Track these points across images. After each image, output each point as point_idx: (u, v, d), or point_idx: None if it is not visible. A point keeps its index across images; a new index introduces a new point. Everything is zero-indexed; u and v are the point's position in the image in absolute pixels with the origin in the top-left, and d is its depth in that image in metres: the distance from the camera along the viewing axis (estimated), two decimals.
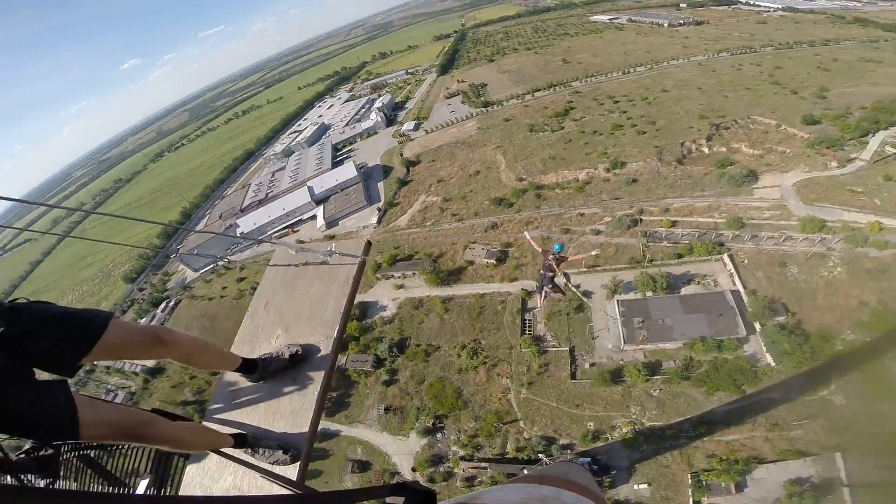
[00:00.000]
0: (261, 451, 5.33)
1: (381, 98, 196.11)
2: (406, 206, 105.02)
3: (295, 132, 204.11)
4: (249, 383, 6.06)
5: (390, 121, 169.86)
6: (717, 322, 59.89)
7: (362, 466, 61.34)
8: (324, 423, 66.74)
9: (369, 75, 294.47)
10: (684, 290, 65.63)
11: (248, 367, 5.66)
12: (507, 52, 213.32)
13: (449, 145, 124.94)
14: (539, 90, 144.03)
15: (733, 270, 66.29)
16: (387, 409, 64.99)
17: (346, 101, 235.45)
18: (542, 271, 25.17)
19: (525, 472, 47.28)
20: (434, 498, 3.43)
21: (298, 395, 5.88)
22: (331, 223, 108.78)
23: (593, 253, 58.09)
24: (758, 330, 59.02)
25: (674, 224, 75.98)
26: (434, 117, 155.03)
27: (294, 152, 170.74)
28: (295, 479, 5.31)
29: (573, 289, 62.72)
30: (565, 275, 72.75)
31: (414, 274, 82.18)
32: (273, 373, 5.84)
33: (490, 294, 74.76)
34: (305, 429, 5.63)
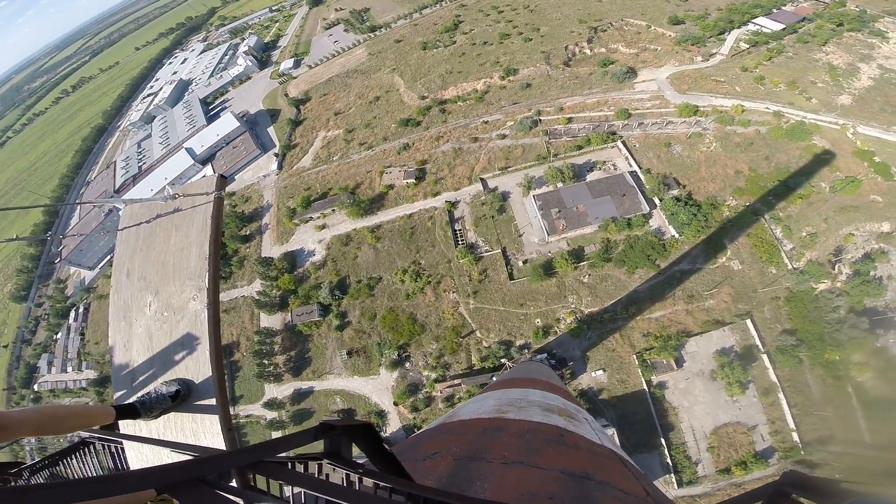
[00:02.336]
0: (161, 412, 5.38)
1: (245, 41, 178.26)
2: (306, 145, 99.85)
3: (149, 95, 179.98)
4: (141, 360, 6.12)
5: (263, 63, 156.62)
6: (622, 202, 69.23)
7: (348, 414, 61.96)
8: (294, 384, 66.05)
9: (224, 20, 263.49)
10: (589, 177, 73.98)
11: (127, 413, 5.45)
12: None
13: (339, 76, 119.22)
14: (426, 7, 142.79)
15: (628, 154, 76.22)
16: (349, 354, 65.35)
17: (203, 51, 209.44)
18: None
19: (494, 379, 50.86)
20: (371, 428, 3.44)
21: (191, 359, 5.98)
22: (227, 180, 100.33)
23: None
24: (658, 204, 69.58)
25: (570, 120, 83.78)
26: (315, 51, 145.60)
27: (156, 116, 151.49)
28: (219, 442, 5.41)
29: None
30: (482, 180, 77.55)
31: (333, 211, 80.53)
32: (159, 413, 5.61)
33: (417, 213, 76.58)
34: (209, 374, 5.71)
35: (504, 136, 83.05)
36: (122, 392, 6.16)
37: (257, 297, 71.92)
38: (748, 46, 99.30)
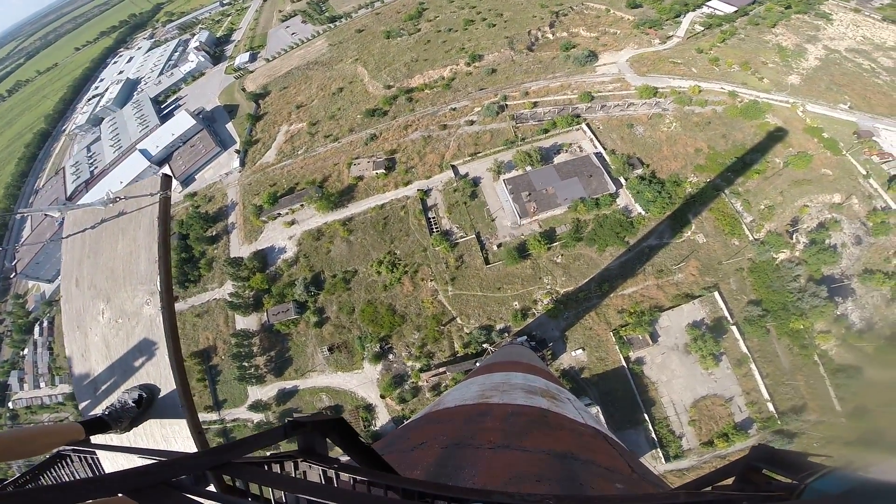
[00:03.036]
0: (130, 422, 5.35)
1: (196, 37, 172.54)
2: (268, 140, 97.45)
3: (95, 97, 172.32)
4: (101, 368, 6.11)
5: (217, 58, 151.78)
6: (590, 183, 71.05)
7: (336, 410, 61.27)
8: (277, 384, 64.86)
9: (171, 16, 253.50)
10: (556, 160, 75.60)
11: (97, 427, 5.47)
12: None
13: (299, 68, 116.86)
14: None
15: (592, 136, 78.19)
16: (331, 350, 64.57)
17: (150, 49, 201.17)
18: None
19: (477, 365, 51.59)
20: (343, 423, 3.38)
21: (151, 365, 6.04)
22: (186, 181, 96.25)
23: None
24: (623, 184, 71.85)
25: (535, 105, 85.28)
26: (272, 44, 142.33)
27: (104, 118, 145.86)
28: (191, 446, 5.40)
29: None
30: (452, 167, 78.14)
31: (302, 206, 78.98)
32: (128, 423, 5.62)
33: (389, 203, 76.06)
34: (171, 378, 5.78)
35: (472, 123, 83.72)
36: (86, 402, 6.15)
37: (230, 299, 70.05)
38: (703, 29, 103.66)
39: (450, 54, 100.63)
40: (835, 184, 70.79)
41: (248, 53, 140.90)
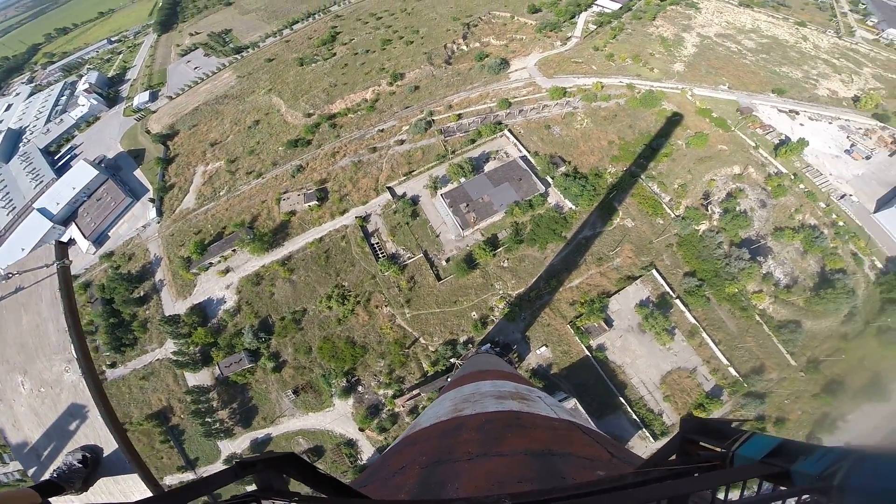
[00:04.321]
0: (83, 482, 5.57)
1: (84, 78, 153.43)
2: (184, 183, 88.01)
3: None
4: (37, 436, 6.32)
5: (111, 99, 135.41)
6: (521, 186, 71.49)
7: (317, 452, 57.35)
8: (248, 435, 59.90)
9: (51, 57, 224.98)
10: (487, 168, 75.44)
11: (52, 490, 5.56)
12: None
13: (208, 104, 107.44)
14: (297, 22, 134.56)
15: (516, 141, 78.95)
16: (296, 392, 60.55)
17: (32, 94, 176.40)
18: None
19: (449, 380, 49.43)
20: (294, 457, 3.36)
21: (87, 427, 6.24)
22: (99, 239, 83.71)
23: None
24: (551, 182, 72.96)
25: (460, 117, 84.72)
26: (174, 80, 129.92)
27: None
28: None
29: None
30: (389, 189, 75.09)
31: (234, 251, 72.33)
32: (81, 483, 5.88)
33: (327, 235, 71.69)
34: (110, 436, 5.99)
35: (402, 142, 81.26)
36: (34, 469, 6.30)
37: (174, 358, 63.87)
38: (595, 27, 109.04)
39: (370, 76, 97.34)
40: (732, 157, 76.94)
41: (147, 92, 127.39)
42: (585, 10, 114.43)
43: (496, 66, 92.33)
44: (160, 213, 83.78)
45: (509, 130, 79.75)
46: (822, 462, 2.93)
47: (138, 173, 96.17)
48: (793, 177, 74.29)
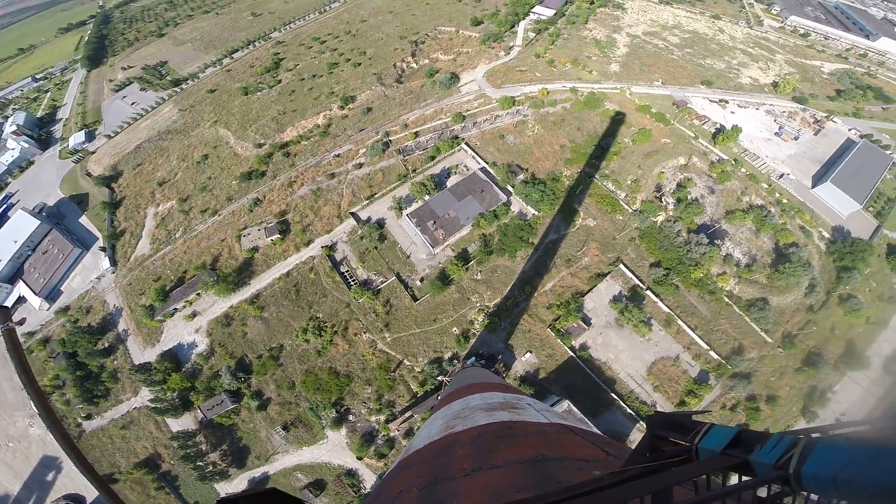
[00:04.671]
0: None
1: (10, 119, 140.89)
2: (136, 228, 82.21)
3: None
4: (17, 488, 5.97)
5: (44, 141, 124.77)
6: (484, 198, 71.73)
7: (319, 486, 55.41)
8: (244, 475, 57.93)
9: None
10: (449, 183, 75.29)
11: None
12: (179, 21, 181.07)
13: (151, 141, 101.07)
14: (237, 51, 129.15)
15: (473, 154, 79.28)
16: (285, 428, 58.58)
17: None
18: None
19: (439, 398, 48.47)
20: (276, 492, 3.37)
21: (65, 476, 5.32)
22: (51, 295, 76.60)
23: None
24: (512, 191, 73.60)
25: (416, 135, 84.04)
26: (110, 118, 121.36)
27: None
28: None
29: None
30: (352, 214, 73.25)
31: (199, 294, 68.60)
32: None
33: (295, 268, 69.18)
34: (88, 484, 8.00)
35: (361, 165, 79.54)
36: None
37: (153, 405, 61.12)
38: (534, 35, 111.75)
39: (320, 101, 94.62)
40: (676, 149, 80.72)
41: (83, 132, 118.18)
42: (524, 18, 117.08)
43: (447, 81, 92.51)
44: (114, 262, 77.99)
45: (466, 144, 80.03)
46: (776, 451, 2.99)
47: (84, 220, 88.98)
48: (734, 162, 78.85)
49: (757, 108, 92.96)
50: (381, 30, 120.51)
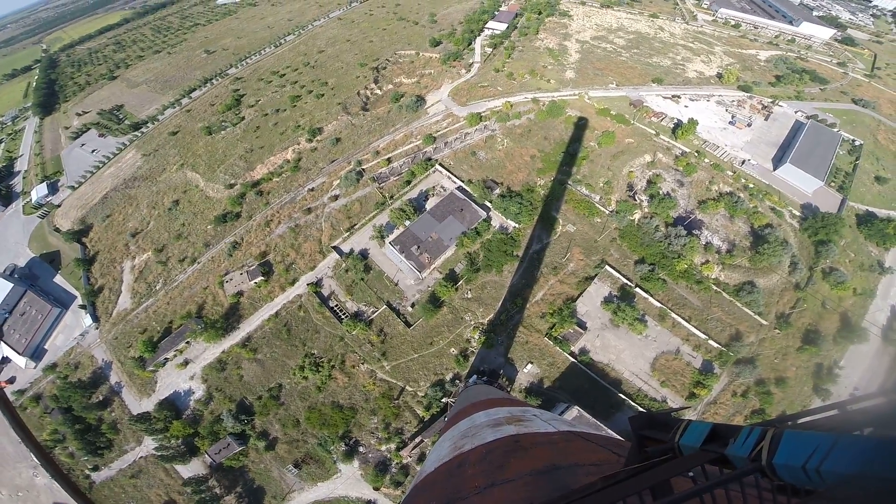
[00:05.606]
0: None
1: None
2: (114, 283, 76.67)
3: None
4: None
5: (5, 196, 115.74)
6: (464, 217, 69.92)
7: None
8: None
9: None
10: (428, 206, 73.25)
11: None
12: (130, 62, 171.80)
13: (117, 190, 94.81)
14: (194, 90, 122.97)
15: (448, 174, 77.56)
16: (297, 465, 55.99)
17: None
18: None
19: (446, 420, 47.00)
20: None
21: None
22: (36, 354, 72.13)
23: None
24: (490, 206, 72.19)
25: (389, 161, 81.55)
26: (72, 167, 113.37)
27: None
28: None
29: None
30: (335, 248, 70.04)
31: (188, 343, 65.14)
32: None
33: (283, 308, 65.94)
34: None
35: (336, 197, 76.43)
36: None
37: (158, 454, 58.40)
38: (491, 50, 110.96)
39: (286, 135, 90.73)
40: (640, 147, 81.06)
41: (45, 184, 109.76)
42: (479, 34, 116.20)
43: (413, 105, 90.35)
44: (96, 318, 73.00)
45: (440, 164, 78.20)
46: (748, 444, 2.98)
47: (59, 279, 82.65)
48: (696, 154, 79.77)
49: (708, 100, 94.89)
50: (340, 59, 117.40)
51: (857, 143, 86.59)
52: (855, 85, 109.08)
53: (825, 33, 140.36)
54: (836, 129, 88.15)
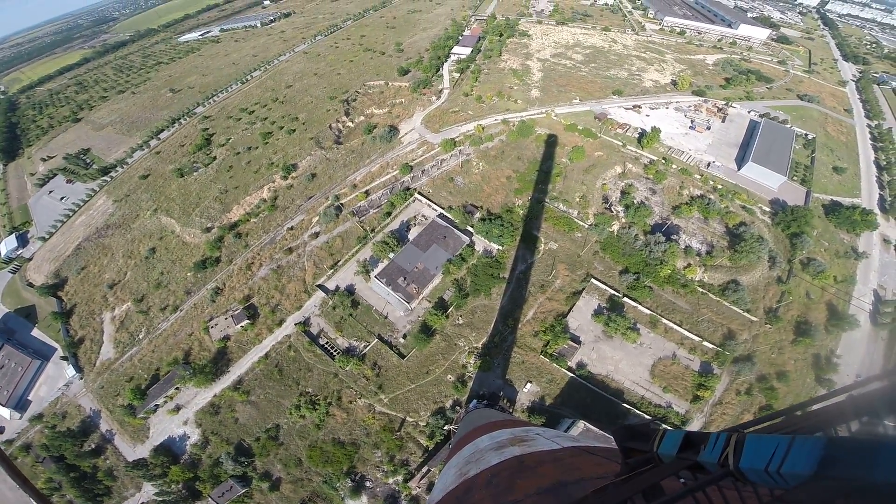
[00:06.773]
0: None
1: None
2: (95, 335, 71.82)
3: None
4: None
5: None
6: (447, 244, 68.30)
7: None
8: None
9: None
10: (411, 236, 71.22)
11: None
12: (94, 103, 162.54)
13: (90, 240, 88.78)
14: (162, 130, 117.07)
15: (428, 202, 75.79)
16: None
17: None
18: None
19: (450, 447, 44.98)
20: None
21: None
22: (20, 405, 67.48)
23: None
24: (472, 231, 70.72)
25: (367, 193, 79.00)
26: (41, 217, 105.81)
27: None
28: None
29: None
30: (320, 287, 66.91)
31: (177, 389, 61.67)
32: None
33: (272, 349, 62.57)
34: None
35: (317, 234, 73.38)
36: None
37: (160, 499, 55.36)
38: (458, 74, 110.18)
39: (260, 173, 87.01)
40: (610, 160, 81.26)
41: (13, 236, 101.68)
42: (446, 60, 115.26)
43: (387, 135, 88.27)
44: (79, 369, 68.40)
45: (419, 193, 76.35)
46: (716, 450, 2.95)
47: (36, 332, 76.91)
48: (664, 161, 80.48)
49: (667, 107, 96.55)
50: (309, 93, 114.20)
51: (810, 136, 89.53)
52: (797, 81, 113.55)
53: (762, 34, 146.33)
54: (788, 126, 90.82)
